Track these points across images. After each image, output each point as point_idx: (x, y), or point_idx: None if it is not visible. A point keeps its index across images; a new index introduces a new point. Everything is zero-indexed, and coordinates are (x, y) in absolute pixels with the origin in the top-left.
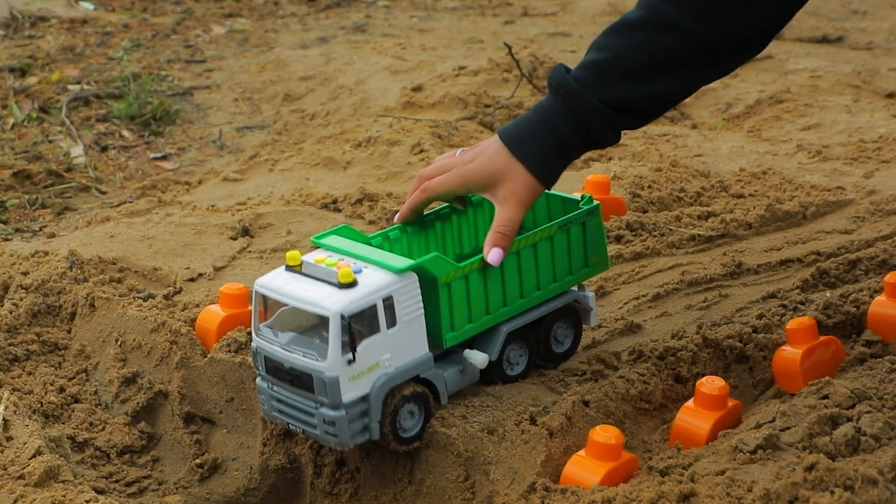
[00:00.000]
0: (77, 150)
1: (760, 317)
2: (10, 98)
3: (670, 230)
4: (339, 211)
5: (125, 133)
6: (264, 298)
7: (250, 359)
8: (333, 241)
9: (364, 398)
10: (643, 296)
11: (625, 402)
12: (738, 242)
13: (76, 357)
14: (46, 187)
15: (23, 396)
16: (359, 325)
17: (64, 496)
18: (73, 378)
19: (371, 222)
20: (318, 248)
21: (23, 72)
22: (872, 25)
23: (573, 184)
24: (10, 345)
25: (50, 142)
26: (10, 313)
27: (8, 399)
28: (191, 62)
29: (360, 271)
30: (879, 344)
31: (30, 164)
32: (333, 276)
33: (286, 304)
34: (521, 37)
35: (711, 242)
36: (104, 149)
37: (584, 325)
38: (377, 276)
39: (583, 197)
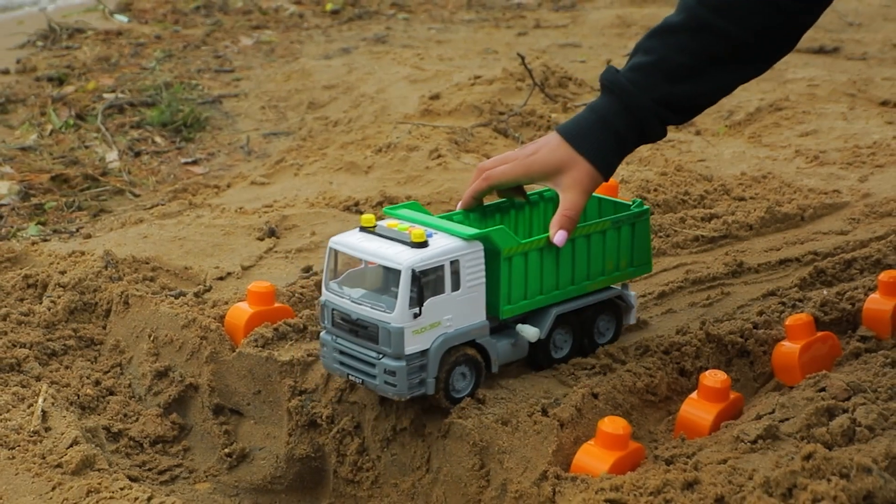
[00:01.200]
0: (112, 156)
1: (761, 313)
2: (49, 106)
3: (675, 231)
4: (361, 213)
5: (158, 139)
6: (337, 255)
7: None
8: (405, 212)
9: (424, 353)
10: (649, 293)
11: (632, 395)
12: (739, 243)
13: (111, 352)
14: (83, 190)
15: (60, 389)
16: (427, 284)
17: (99, 484)
18: (109, 372)
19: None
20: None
21: (60, 81)
22: (867, 37)
23: None
24: (48, 340)
25: (86, 147)
26: (49, 310)
27: (46, 392)
28: (220, 72)
29: (431, 235)
30: (873, 339)
31: (67, 169)
32: (406, 237)
33: (360, 259)
34: (534, 48)
35: (714, 243)
36: (138, 154)
37: (623, 322)
38: (446, 240)
39: (634, 201)
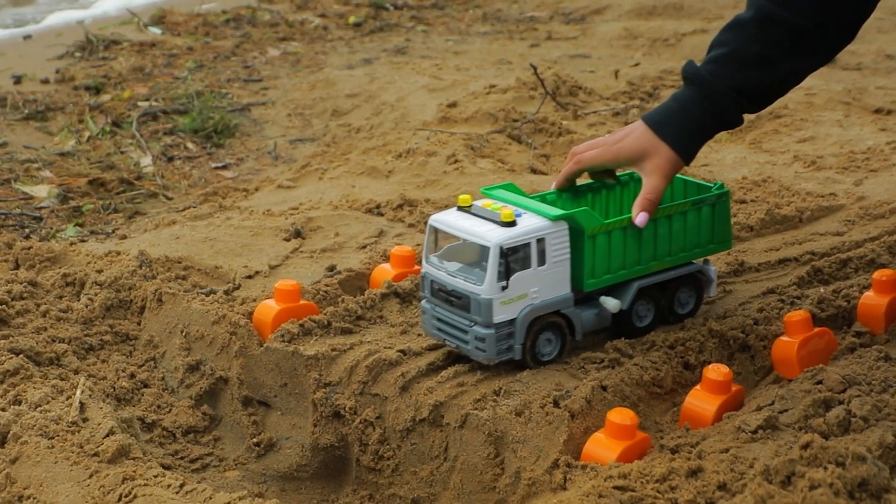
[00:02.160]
0: (146, 161)
1: (761, 310)
2: (86, 114)
3: None
4: (382, 215)
5: (189, 145)
6: (436, 231)
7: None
8: (500, 193)
9: (511, 322)
10: None
11: (639, 387)
12: (740, 243)
13: (145, 346)
14: (119, 194)
15: (97, 382)
16: (514, 259)
17: (134, 471)
18: (143, 365)
19: (411, 225)
20: (487, 196)
21: (97, 90)
22: (861, 48)
23: None
24: (86, 335)
25: (122, 153)
26: (86, 307)
27: (84, 384)
28: (248, 81)
29: (520, 215)
30: (868, 335)
31: (104, 173)
32: (497, 216)
33: (455, 236)
34: (546, 58)
35: None
36: (170, 159)
37: (704, 295)
38: (533, 220)
39: (715, 183)
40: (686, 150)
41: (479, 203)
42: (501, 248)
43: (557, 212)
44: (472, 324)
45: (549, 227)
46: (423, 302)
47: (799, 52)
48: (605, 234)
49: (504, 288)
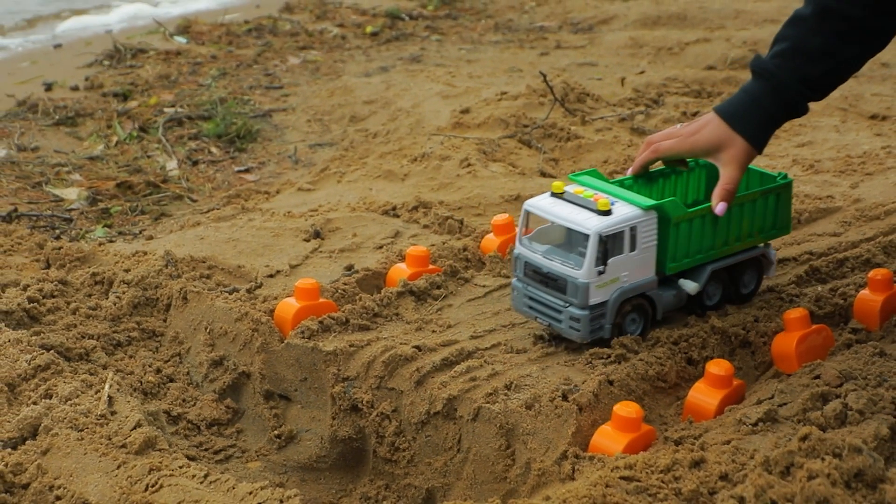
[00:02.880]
0: (172, 164)
1: (761, 308)
2: (114, 119)
3: None
4: (398, 216)
5: (213, 149)
6: (529, 215)
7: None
8: (586, 179)
9: (603, 304)
10: None
11: (644, 382)
12: None
13: (171, 342)
14: (145, 196)
15: (125, 377)
16: (609, 246)
17: (160, 462)
18: (169, 361)
19: (425, 226)
20: (574, 183)
21: (125, 96)
22: None
23: None
24: (114, 332)
25: (148, 157)
26: (114, 305)
27: (112, 379)
28: (270, 88)
29: (613, 203)
30: (864, 331)
31: (131, 176)
32: (593, 205)
33: (552, 222)
34: (555, 66)
35: None
36: (195, 163)
37: (764, 276)
38: (627, 209)
39: (779, 173)
40: (758, 140)
41: (571, 189)
42: (600, 235)
43: (648, 202)
44: (567, 305)
45: (642, 215)
46: (514, 281)
47: (857, 41)
48: (687, 221)
49: (601, 273)
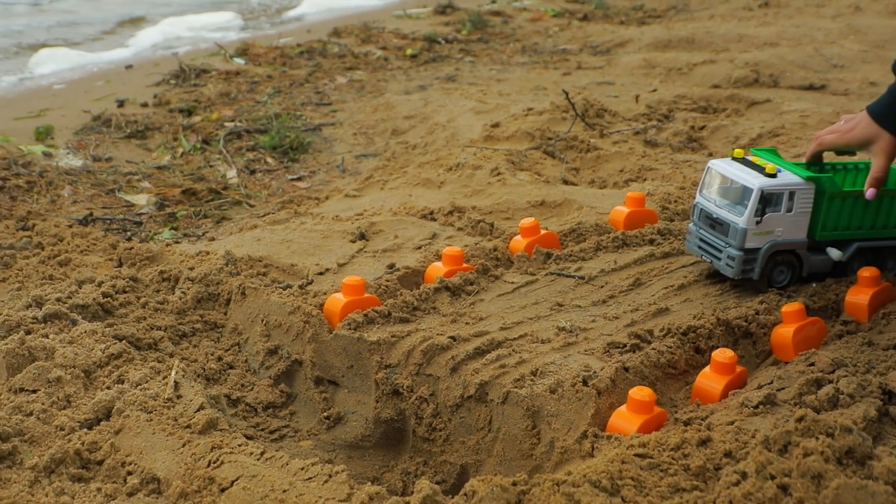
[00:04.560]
0: (231, 173)
1: (762, 302)
2: (180, 132)
3: None
4: (435, 220)
5: (269, 160)
6: (710, 172)
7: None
8: (764, 153)
9: (756, 250)
10: (671, 286)
11: (656, 369)
12: None
13: (231, 333)
14: (208, 202)
15: (189, 364)
16: (769, 203)
17: (221, 441)
18: (229, 350)
19: (459, 228)
20: (753, 154)
21: (189, 112)
22: (849, 76)
23: (616, 199)
24: (179, 324)
25: (210, 166)
26: (180, 300)
27: (178, 366)
28: (320, 105)
29: (780, 171)
30: (854, 324)
31: (195, 184)
32: (762, 169)
33: (727, 178)
34: (576, 85)
35: None
36: (252, 172)
37: None
38: (790, 176)
39: None
40: None
41: (750, 157)
42: (762, 191)
43: (809, 173)
44: (727, 245)
45: (802, 183)
46: (690, 225)
47: None
48: (840, 198)
49: (758, 223)
